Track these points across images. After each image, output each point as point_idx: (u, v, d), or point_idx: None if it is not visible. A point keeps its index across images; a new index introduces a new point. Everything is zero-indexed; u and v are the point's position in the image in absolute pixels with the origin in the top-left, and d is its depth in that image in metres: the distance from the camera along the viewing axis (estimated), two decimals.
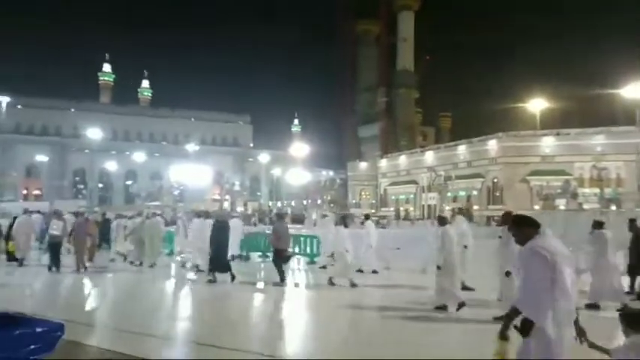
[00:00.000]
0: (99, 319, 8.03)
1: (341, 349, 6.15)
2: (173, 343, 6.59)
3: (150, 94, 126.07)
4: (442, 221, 9.06)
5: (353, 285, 10.87)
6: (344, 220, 12.69)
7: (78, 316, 7.66)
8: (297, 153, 61.25)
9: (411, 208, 72.41)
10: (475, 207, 61.04)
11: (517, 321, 3.33)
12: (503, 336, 3.32)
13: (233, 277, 11.53)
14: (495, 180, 59.57)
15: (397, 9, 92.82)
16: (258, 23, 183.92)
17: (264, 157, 71.76)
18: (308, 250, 16.35)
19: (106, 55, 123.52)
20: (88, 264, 13.98)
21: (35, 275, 13.01)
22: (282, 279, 11.27)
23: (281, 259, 11.57)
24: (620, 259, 9.86)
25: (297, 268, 15.17)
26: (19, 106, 72.63)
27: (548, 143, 55.42)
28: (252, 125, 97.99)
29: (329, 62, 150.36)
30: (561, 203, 45.41)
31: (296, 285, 11.98)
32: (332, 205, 73.23)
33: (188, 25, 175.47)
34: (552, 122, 57.92)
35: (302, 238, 17.00)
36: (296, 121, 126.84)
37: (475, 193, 61.75)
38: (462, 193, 63.27)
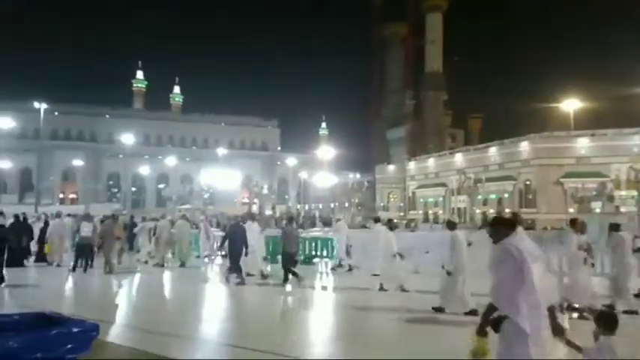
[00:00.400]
0: (130, 320, 8.22)
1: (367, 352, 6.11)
2: (204, 345, 6.64)
3: (181, 100, 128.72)
4: (451, 226, 8.97)
5: (403, 290, 10.65)
6: (390, 224, 12.07)
7: (109, 316, 7.87)
8: (324, 156, 61.35)
9: (440, 211, 71.38)
10: (507, 210, 59.72)
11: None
12: (481, 332, 3.44)
13: (240, 280, 11.80)
14: (528, 182, 58.15)
15: (425, 10, 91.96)
16: (286, 29, 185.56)
17: (291, 160, 72.17)
18: (335, 253, 16.37)
19: (139, 62, 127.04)
20: (116, 265, 14.41)
21: (68, 276, 13.42)
22: (297, 277, 11.45)
23: (289, 261, 11.72)
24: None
25: (325, 271, 15.18)
26: (56, 113, 75.17)
27: (583, 144, 53.77)
28: (280, 129, 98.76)
29: (356, 65, 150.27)
30: (597, 206, 43.88)
31: (323, 288, 12.00)
32: (359, 208, 72.94)
33: (217, 32, 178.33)
34: (587, 122, 56.15)
35: (329, 241, 17.01)
36: (323, 125, 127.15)
37: (507, 195, 60.41)
38: (493, 196, 62.00)
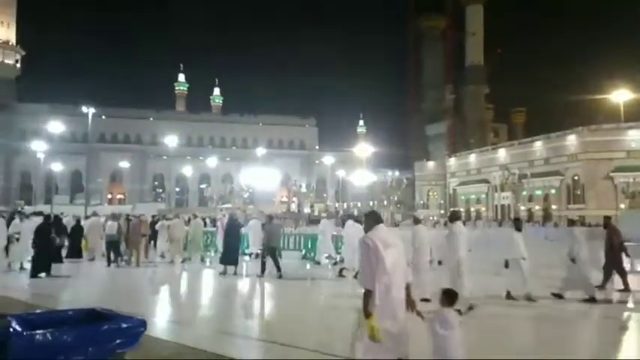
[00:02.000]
0: (169, 314, 8.44)
1: None
2: (253, 343, 6.61)
3: (221, 101, 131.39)
4: (453, 217, 9.02)
5: (530, 299, 8.92)
6: (517, 223, 10.21)
7: (148, 310, 8.11)
8: (362, 154, 61.02)
9: (483, 209, 69.73)
10: (553, 206, 57.65)
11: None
12: (367, 314, 3.98)
13: (235, 272, 12.79)
14: (576, 177, 55.94)
15: (465, 2, 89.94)
16: (323, 26, 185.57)
17: (329, 158, 72.36)
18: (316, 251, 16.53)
19: (180, 65, 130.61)
20: (142, 260, 15.48)
21: (102, 270, 14.36)
22: (279, 272, 12.27)
23: (272, 255, 12.60)
24: None
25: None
26: (103, 117, 78.35)
27: (634, 137, 51.27)
28: (317, 128, 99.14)
29: (393, 62, 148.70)
30: None
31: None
32: (399, 205, 72.20)
33: (255, 34, 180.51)
34: (638, 114, 53.41)
35: None
36: (361, 122, 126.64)
37: (553, 191, 58.33)
38: (539, 192, 60.01)
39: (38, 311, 5.11)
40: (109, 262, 14.87)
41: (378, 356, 3.97)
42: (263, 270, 12.48)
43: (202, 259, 16.48)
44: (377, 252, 4.13)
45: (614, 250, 10.26)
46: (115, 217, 16.33)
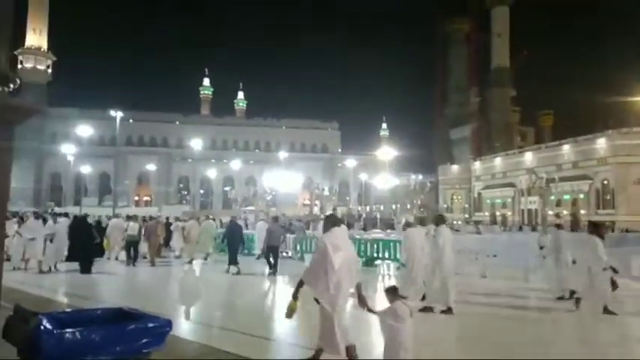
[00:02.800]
0: (194, 315, 8.54)
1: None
2: (278, 345, 6.63)
3: (245, 105, 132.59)
4: (438, 221, 9.12)
5: (609, 312, 8.25)
6: (598, 229, 8.88)
7: (171, 310, 8.23)
8: (384, 157, 60.64)
9: (509, 213, 68.45)
10: (582, 211, 56.20)
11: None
12: (294, 297, 4.69)
13: (238, 271, 13.57)
14: (605, 182, 54.41)
15: (491, 4, 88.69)
16: (345, 30, 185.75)
17: (351, 162, 72.09)
18: (398, 255, 16.15)
19: (205, 69, 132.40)
20: (157, 260, 16.39)
21: (124, 269, 15.03)
22: (274, 270, 13.12)
23: (274, 254, 13.42)
24: None
25: (387, 273, 15.04)
26: (130, 120, 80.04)
27: None
28: (340, 131, 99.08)
29: (417, 64, 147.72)
30: None
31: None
32: (422, 209, 71.45)
33: (278, 38, 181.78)
34: None
35: (391, 243, 16.82)
36: (384, 125, 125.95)
37: (582, 196, 56.86)
38: (567, 197, 58.57)
39: (68, 310, 5.26)
40: (131, 260, 15.58)
41: (333, 343, 4.61)
42: (270, 267, 13.27)
43: (206, 258, 17.18)
44: (326, 254, 4.56)
45: None
46: (134, 218, 17.40)
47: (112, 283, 12.81)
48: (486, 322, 8.07)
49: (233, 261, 13.85)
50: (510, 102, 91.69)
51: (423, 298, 8.88)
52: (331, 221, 4.90)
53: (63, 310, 7.14)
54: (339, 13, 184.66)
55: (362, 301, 4.66)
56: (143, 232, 16.60)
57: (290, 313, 4.59)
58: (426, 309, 8.28)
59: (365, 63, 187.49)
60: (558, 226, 11.74)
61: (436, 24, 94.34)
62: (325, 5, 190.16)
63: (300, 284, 4.69)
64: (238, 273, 13.54)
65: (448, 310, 8.12)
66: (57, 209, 41.52)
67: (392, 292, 4.58)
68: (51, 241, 13.74)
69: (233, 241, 14.20)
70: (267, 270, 13.53)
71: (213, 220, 21.50)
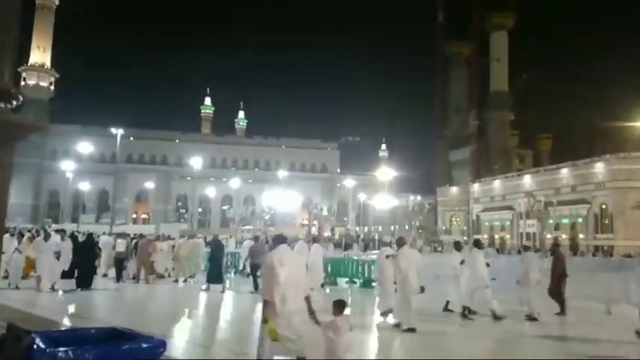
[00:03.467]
0: (189, 335, 8.44)
1: None
2: None
3: (245, 124, 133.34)
4: (399, 243, 9.74)
5: (496, 317, 9.83)
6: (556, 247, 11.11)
7: (164, 330, 8.14)
8: (383, 177, 60.77)
9: (507, 236, 68.31)
10: (581, 236, 56.15)
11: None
12: (264, 319, 4.77)
13: (223, 290, 13.85)
14: (603, 206, 54.48)
15: (490, 29, 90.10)
16: (345, 51, 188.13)
17: (350, 182, 72.12)
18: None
19: (207, 89, 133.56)
20: (150, 277, 16.38)
21: (114, 286, 14.97)
22: (255, 286, 13.28)
23: (254, 271, 13.96)
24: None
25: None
26: (131, 138, 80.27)
27: None
28: (339, 151, 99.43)
29: (416, 86, 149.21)
30: None
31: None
32: (420, 231, 71.28)
33: (279, 57, 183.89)
34: None
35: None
36: (383, 146, 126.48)
37: (580, 220, 56.85)
38: (566, 221, 58.55)
39: (62, 329, 5.20)
40: (119, 278, 15.72)
41: (280, 355, 4.85)
42: (254, 284, 13.56)
43: (191, 277, 17.07)
44: (273, 269, 4.89)
45: (558, 277, 11.15)
46: (123, 235, 17.64)
47: (105, 302, 12.72)
48: (442, 340, 8.45)
49: (214, 279, 14.20)
50: (509, 125, 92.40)
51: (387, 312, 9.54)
52: (278, 240, 5.36)
53: (57, 328, 7.06)
54: (340, 35, 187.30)
55: (311, 312, 4.95)
56: (132, 249, 16.71)
57: (275, 336, 4.64)
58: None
59: (365, 83, 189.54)
60: (556, 246, 12.26)
61: (436, 47, 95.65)
62: (327, 27, 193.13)
63: (266, 303, 4.89)
64: (222, 291, 13.83)
65: (411, 329, 8.50)
66: (54, 226, 41.34)
67: (337, 307, 4.83)
68: (58, 258, 13.40)
69: (215, 260, 14.65)
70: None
71: (203, 238, 21.67)
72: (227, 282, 14.87)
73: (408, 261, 8.88)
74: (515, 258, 26.84)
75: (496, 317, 9.81)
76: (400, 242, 9.80)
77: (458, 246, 11.72)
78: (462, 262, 10.52)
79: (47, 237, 14.02)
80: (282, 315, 4.77)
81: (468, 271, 10.36)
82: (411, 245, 11.33)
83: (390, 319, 9.27)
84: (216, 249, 15.11)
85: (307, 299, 5.04)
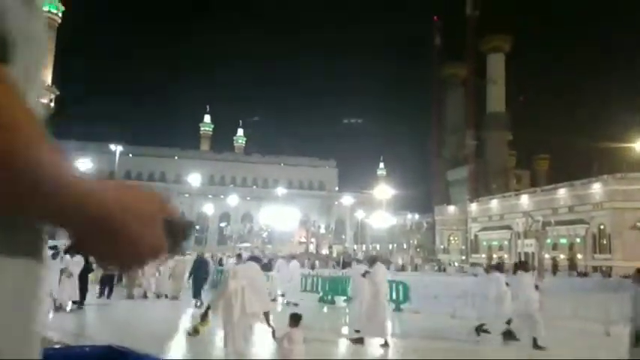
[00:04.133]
0: (180, 351, 8.36)
1: None
2: None
3: (244, 142, 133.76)
4: (372, 261, 10.47)
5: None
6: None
7: (150, 346, 8.06)
8: (381, 196, 60.86)
9: (506, 255, 68.08)
10: (579, 256, 56.04)
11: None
12: (202, 319, 5.67)
13: (200, 304, 13.83)
14: (602, 227, 54.49)
15: (487, 51, 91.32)
16: (344, 71, 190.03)
17: (348, 199, 72.10)
18: (394, 296, 15.91)
19: (207, 107, 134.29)
20: (135, 292, 16.33)
21: (97, 302, 14.81)
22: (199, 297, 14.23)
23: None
24: None
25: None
26: (130, 155, 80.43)
27: None
28: (337, 169, 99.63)
29: (415, 106, 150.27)
30: None
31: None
32: (418, 250, 71.09)
33: (278, 76, 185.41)
34: None
35: (392, 284, 16.61)
36: (381, 165, 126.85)
37: (578, 240, 56.79)
38: (564, 241, 58.48)
39: (56, 346, 5.15)
40: (102, 294, 15.55)
41: None
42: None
43: (174, 298, 16.63)
44: (226, 279, 5.37)
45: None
46: None
47: (98, 319, 12.63)
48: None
49: (197, 295, 14.75)
50: (507, 145, 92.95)
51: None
52: (254, 258, 6.14)
53: (50, 346, 6.98)
54: (339, 55, 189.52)
55: (270, 326, 5.42)
56: None
57: (195, 331, 5.52)
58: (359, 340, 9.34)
59: (363, 102, 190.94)
60: (555, 267, 12.03)
61: (434, 67, 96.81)
62: (327, 46, 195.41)
63: (208, 308, 5.56)
64: (199, 307, 13.59)
65: (385, 344, 9.02)
66: (50, 242, 41.07)
67: (293, 319, 5.16)
68: (69, 277, 12.89)
69: (198, 277, 15.22)
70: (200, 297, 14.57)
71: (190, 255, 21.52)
72: (202, 297, 14.54)
73: (380, 277, 9.80)
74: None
75: (536, 346, 9.02)
76: (372, 260, 10.70)
77: (500, 268, 11.95)
78: (507, 285, 10.41)
79: (55, 255, 13.06)
80: (239, 324, 5.26)
81: (511, 294, 10.14)
82: (403, 264, 11.64)
83: (379, 340, 9.25)
84: (199, 266, 15.74)
85: (266, 315, 5.46)
